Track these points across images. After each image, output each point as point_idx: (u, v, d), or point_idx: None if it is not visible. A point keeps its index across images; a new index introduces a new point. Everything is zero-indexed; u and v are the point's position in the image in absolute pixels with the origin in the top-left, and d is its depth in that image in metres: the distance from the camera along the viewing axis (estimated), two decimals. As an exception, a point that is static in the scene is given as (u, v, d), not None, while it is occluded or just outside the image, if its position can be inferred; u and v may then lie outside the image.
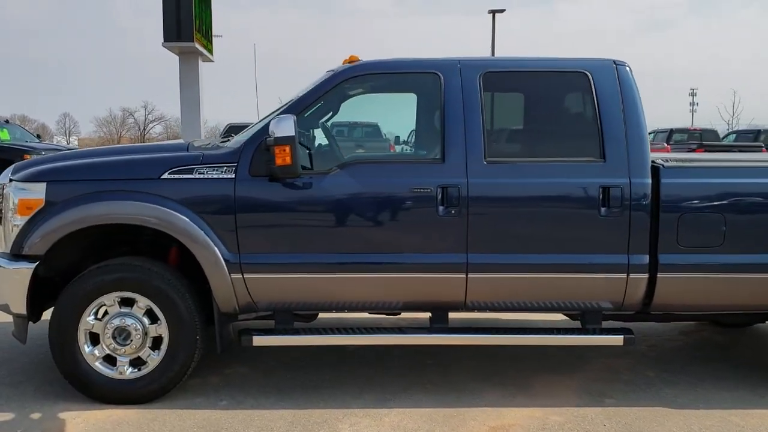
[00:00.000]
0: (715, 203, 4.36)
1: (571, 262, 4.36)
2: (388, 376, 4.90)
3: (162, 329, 4.35)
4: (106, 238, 4.70)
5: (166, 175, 4.33)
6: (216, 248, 4.29)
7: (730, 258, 4.36)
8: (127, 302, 4.37)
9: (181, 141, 5.60)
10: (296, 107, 4.41)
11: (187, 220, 4.27)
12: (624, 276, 4.38)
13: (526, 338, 4.50)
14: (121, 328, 4.34)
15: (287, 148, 3.96)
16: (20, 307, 4.33)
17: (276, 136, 3.97)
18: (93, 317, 4.35)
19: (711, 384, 4.83)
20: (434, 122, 4.45)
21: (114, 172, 4.38)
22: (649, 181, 4.35)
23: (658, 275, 4.39)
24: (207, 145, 4.85)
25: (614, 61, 4.55)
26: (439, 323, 4.56)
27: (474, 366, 5.13)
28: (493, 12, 26.19)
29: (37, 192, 4.33)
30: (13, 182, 4.45)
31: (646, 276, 4.39)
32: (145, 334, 4.36)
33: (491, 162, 4.35)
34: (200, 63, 22.05)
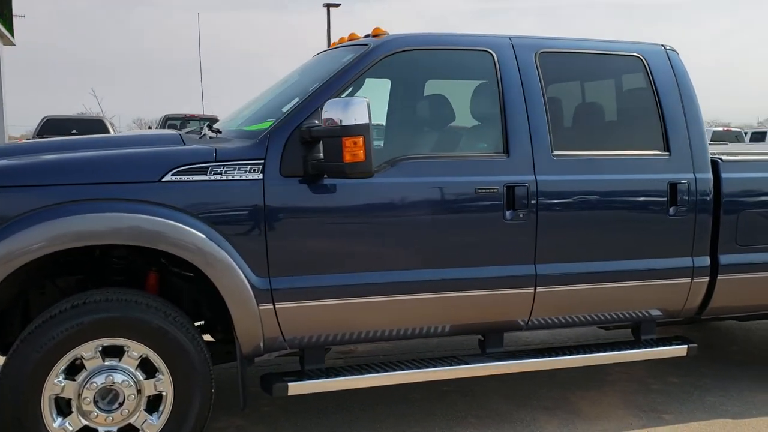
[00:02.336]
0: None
1: (638, 269, 3.89)
2: (419, 413, 4.11)
3: (163, 384, 3.22)
4: (53, 264, 3.43)
5: (169, 177, 3.20)
6: (241, 272, 3.25)
7: None
8: (113, 351, 3.18)
9: (166, 131, 4.32)
10: (327, 91, 3.47)
11: (203, 236, 3.18)
12: (688, 280, 3.99)
13: (593, 357, 3.94)
14: (105, 389, 3.14)
15: (360, 140, 3.04)
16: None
17: (345, 124, 3.04)
18: (63, 377, 3.10)
19: (746, 386, 4.63)
20: (491, 108, 3.74)
21: (95, 173, 3.15)
22: (711, 176, 4.01)
23: (717, 277, 4.06)
24: (205, 136, 3.72)
25: (664, 46, 4.15)
26: (493, 347, 3.87)
27: (500, 388, 4.51)
28: (328, 6, 25.58)
29: (-28, 204, 2.99)
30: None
31: (707, 279, 4.04)
32: (139, 392, 3.20)
33: (558, 156, 3.74)
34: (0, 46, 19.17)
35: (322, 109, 3.34)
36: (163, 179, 3.19)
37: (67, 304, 3.08)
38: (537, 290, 3.70)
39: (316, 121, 3.36)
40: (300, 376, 3.50)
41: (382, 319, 3.54)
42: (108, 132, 16.95)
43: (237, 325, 3.28)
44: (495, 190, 3.58)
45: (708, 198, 3.97)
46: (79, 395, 3.11)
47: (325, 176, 3.32)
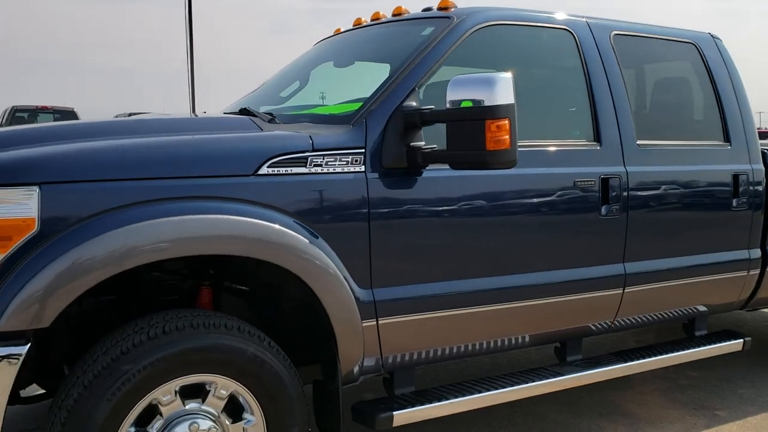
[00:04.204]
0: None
1: (710, 262, 3.76)
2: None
3: (255, 428, 2.58)
4: None
5: (265, 169, 2.56)
6: (347, 283, 2.68)
7: None
8: (193, 391, 2.50)
9: (222, 115, 3.48)
10: (419, 70, 2.97)
11: (307, 242, 2.58)
12: (745, 273, 3.92)
13: (670, 357, 3.73)
14: (196, 438, 2.46)
15: (505, 123, 2.57)
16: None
17: (489, 104, 2.56)
18: (134, 430, 2.38)
19: (765, 374, 4.68)
20: (579, 92, 3.41)
21: (177, 166, 2.44)
22: (763, 167, 3.96)
23: (766, 269, 4.03)
24: (273, 118, 3.06)
25: (711, 35, 4.05)
26: (574, 355, 3.56)
27: (544, 397, 4.19)
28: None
29: (19, 205, 2.20)
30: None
31: (758, 271, 4.00)
32: (229, 443, 2.54)
33: (642, 146, 3.50)
34: None
35: (419, 90, 2.88)
36: (258, 172, 2.55)
37: (140, 335, 2.36)
38: (625, 290, 3.44)
39: (414, 103, 2.87)
40: (389, 402, 2.98)
41: (482, 332, 3.11)
42: None
43: (341, 347, 2.71)
44: (591, 182, 3.27)
45: (761, 189, 3.92)
46: (154, 450, 2.41)
47: (428, 167, 2.84)
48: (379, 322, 2.79)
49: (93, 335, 2.71)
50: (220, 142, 2.59)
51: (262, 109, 3.99)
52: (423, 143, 2.82)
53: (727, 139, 3.86)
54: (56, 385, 3.00)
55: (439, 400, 2.99)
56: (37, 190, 2.21)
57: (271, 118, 3.00)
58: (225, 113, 3.62)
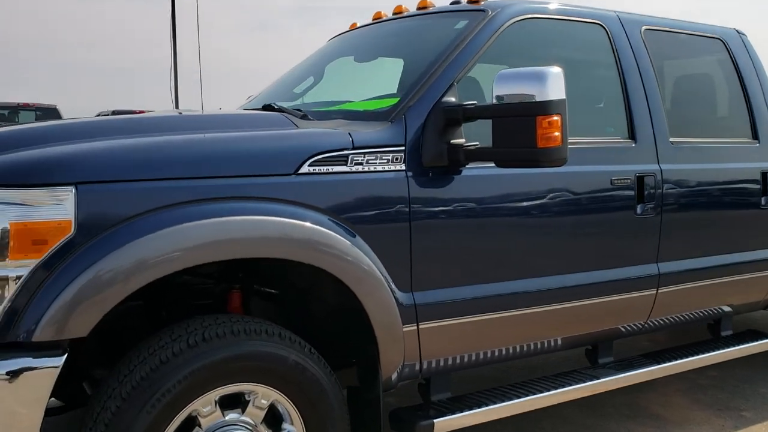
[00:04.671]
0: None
1: (739, 261, 3.70)
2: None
3: (295, 439, 2.47)
4: None
5: (306, 168, 2.44)
6: (388, 287, 2.58)
7: None
8: (231, 401, 2.37)
9: (254, 111, 3.31)
10: (454, 68, 2.86)
11: (349, 244, 2.47)
12: None
13: (703, 358, 3.66)
14: (237, 453, 2.34)
15: (557, 120, 2.48)
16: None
17: (541, 99, 2.46)
18: (171, 446, 2.26)
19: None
20: (612, 87, 3.33)
21: (216, 163, 2.31)
22: None
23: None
24: (302, 113, 2.93)
25: (737, 30, 3.99)
26: (605, 357, 3.48)
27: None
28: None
29: (56, 206, 2.06)
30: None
31: None
32: (270, 455, 2.43)
33: (675, 143, 3.43)
34: None
35: (456, 84, 2.78)
36: (299, 171, 2.43)
37: (179, 343, 2.23)
38: (659, 291, 3.37)
39: (453, 99, 2.77)
40: (426, 409, 2.88)
41: (519, 335, 3.02)
42: None
43: (382, 352, 2.60)
44: (628, 181, 3.19)
45: (785, 186, 3.86)
46: (192, 465, 2.29)
47: (468, 165, 2.74)
48: (420, 326, 2.69)
49: (121, 343, 2.58)
50: (261, 140, 2.47)
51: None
52: (463, 140, 2.72)
53: (755, 136, 3.80)
54: (75, 396, 2.88)
55: (479, 407, 2.89)
56: (73, 191, 2.07)
57: (303, 114, 2.87)
58: (245, 110, 3.50)
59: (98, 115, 20.97)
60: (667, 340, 4.87)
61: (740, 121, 3.81)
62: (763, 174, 3.73)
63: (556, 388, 3.10)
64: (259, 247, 2.29)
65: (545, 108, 2.44)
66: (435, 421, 2.74)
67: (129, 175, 2.16)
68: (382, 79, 3.62)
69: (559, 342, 3.22)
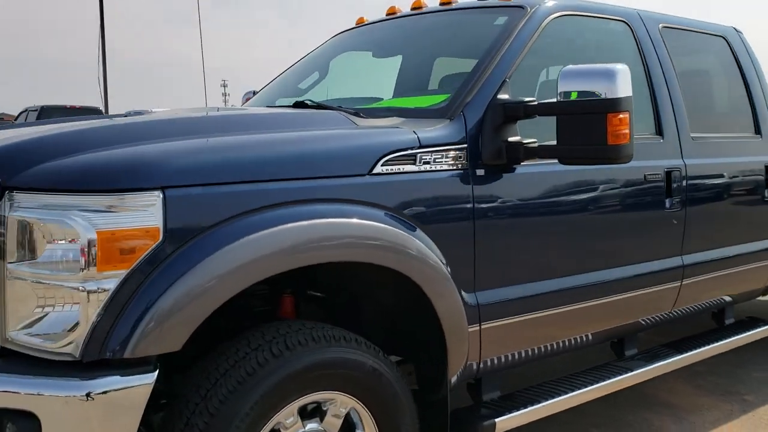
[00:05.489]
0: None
1: (747, 251, 3.84)
2: None
3: (369, 448, 2.40)
4: None
5: (379, 168, 2.37)
6: (456, 287, 2.54)
7: None
8: (309, 412, 2.29)
9: (285, 109, 3.13)
10: (504, 64, 2.84)
11: (422, 245, 2.42)
12: None
13: (719, 346, 3.79)
14: (319, 465, 2.26)
15: (626, 117, 2.49)
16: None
17: (611, 96, 2.47)
18: (254, 461, 2.15)
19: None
20: (639, 84, 3.38)
21: (299, 164, 2.21)
22: None
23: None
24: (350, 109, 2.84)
25: (735, 29, 4.13)
26: (631, 349, 3.54)
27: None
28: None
29: (142, 212, 1.92)
30: (62, 195, 1.91)
31: None
32: (344, 465, 2.36)
33: (695, 138, 3.53)
34: None
35: (508, 80, 2.77)
36: (373, 171, 2.36)
37: (263, 353, 2.12)
38: (683, 283, 3.46)
39: (506, 96, 2.75)
40: (477, 409, 2.86)
41: (568, 330, 3.04)
42: None
43: (451, 354, 2.56)
44: (658, 176, 3.25)
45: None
46: (277, 482, 2.19)
47: (522, 163, 2.73)
48: (482, 326, 2.66)
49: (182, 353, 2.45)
50: (337, 140, 2.38)
51: (280, 102, 3.78)
52: (519, 137, 2.70)
53: (758, 131, 3.95)
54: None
55: (531, 404, 2.89)
56: (161, 195, 1.94)
57: (355, 111, 2.79)
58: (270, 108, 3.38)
59: (24, 112, 19.81)
60: (673, 333, 5.02)
61: (744, 117, 3.95)
62: (766, 167, 3.88)
63: (598, 382, 3.14)
64: (349, 250, 2.21)
65: (616, 105, 2.45)
66: (496, 420, 2.72)
67: (216, 178, 2.04)
68: (395, 75, 3.57)
69: (595, 336, 3.25)
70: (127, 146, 2.08)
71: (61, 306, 1.88)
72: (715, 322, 4.14)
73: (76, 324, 1.86)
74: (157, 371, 1.94)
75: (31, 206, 1.93)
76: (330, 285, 2.76)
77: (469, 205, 2.57)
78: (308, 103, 3.11)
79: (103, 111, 19.22)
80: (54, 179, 1.94)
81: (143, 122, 2.39)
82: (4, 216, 1.94)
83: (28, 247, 1.91)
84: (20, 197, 1.95)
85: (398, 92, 3.35)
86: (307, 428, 2.26)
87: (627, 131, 2.48)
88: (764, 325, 4.11)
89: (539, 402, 2.91)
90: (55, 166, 1.98)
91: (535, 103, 2.63)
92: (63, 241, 1.88)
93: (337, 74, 3.90)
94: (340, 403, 2.31)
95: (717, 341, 3.81)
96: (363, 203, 2.30)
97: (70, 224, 1.86)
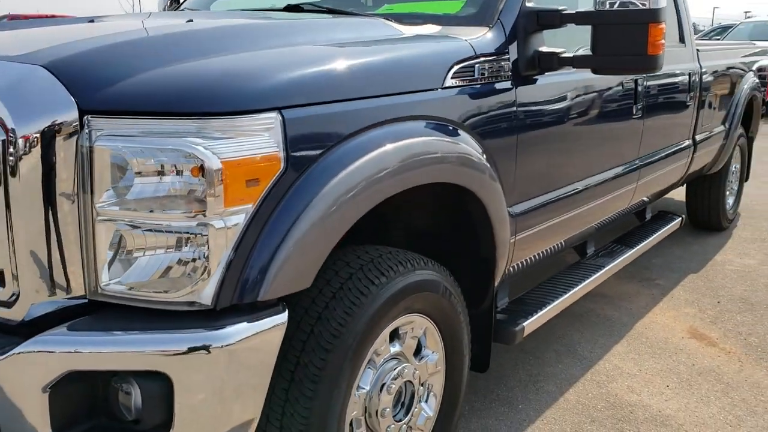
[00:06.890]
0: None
1: (675, 150, 4.24)
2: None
3: (438, 366, 2.40)
4: None
5: (449, 81, 2.25)
6: (504, 199, 2.54)
7: None
8: (391, 336, 2.22)
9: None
10: None
11: (485, 161, 2.37)
12: (688, 158, 4.49)
13: (648, 243, 4.16)
14: (402, 387, 2.23)
15: (664, 28, 2.54)
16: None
17: (653, 7, 2.49)
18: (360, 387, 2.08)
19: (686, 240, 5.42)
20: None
21: (395, 80, 2.02)
22: (699, 66, 4.47)
23: (694, 155, 4.65)
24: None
25: None
26: (590, 248, 3.81)
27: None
28: None
29: (261, 137, 1.68)
30: (166, 120, 1.61)
31: (692, 155, 4.59)
32: (421, 384, 2.34)
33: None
34: None
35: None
36: (445, 85, 2.23)
37: (371, 275, 2.00)
38: (638, 183, 3.74)
39: (532, 3, 2.71)
40: (525, 313, 2.95)
41: (567, 232, 3.19)
42: None
43: (498, 267, 2.59)
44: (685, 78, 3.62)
45: (698, 85, 4.43)
46: (366, 409, 2.13)
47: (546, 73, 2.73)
48: (517, 237, 2.71)
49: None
50: (417, 49, 2.21)
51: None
52: (542, 47, 2.68)
53: (682, 40, 4.24)
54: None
55: (543, 306, 3.03)
56: (279, 118, 1.70)
57: (386, 16, 2.59)
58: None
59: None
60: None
61: (671, 28, 4.21)
62: (689, 74, 4.21)
63: (585, 279, 3.36)
64: (440, 171, 2.12)
65: (657, 15, 2.50)
66: (524, 324, 2.82)
67: (328, 95, 1.82)
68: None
69: (580, 236, 3.47)
70: (214, 60, 1.79)
71: (179, 250, 1.62)
72: (637, 218, 4.53)
73: (205, 269, 1.62)
74: (286, 311, 1.76)
75: (126, 134, 1.61)
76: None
77: (513, 117, 2.55)
78: (303, 7, 2.83)
79: None
80: (151, 100, 1.63)
81: (204, 31, 2.05)
82: (89, 146, 1.60)
83: (123, 183, 1.61)
84: (108, 123, 1.61)
85: None
86: (393, 350, 2.20)
87: (662, 42, 2.55)
88: (677, 217, 4.58)
89: (548, 303, 3.05)
90: (145, 83, 1.66)
91: (571, 11, 2.61)
92: (177, 174, 1.60)
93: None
94: (417, 325, 2.27)
95: (652, 234, 4.20)
96: (439, 119, 2.20)
97: (191, 153, 1.58)
